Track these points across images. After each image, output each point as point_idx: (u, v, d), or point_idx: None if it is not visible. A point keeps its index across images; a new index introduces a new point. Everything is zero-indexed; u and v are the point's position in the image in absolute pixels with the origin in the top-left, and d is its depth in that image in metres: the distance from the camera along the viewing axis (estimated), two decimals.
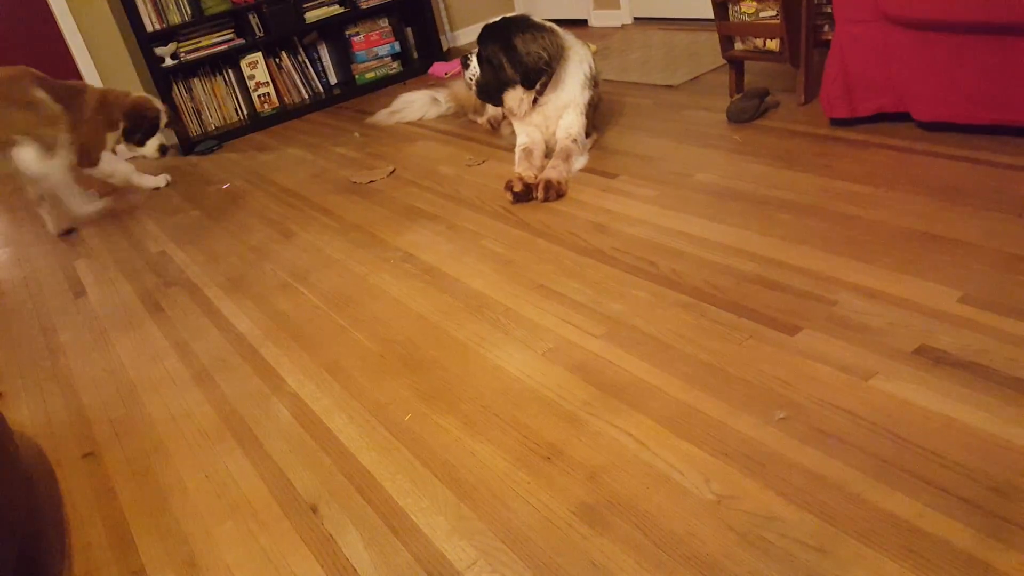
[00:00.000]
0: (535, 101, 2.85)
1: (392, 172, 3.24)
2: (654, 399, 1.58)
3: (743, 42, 2.96)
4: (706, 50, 3.75)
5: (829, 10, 2.73)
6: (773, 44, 2.83)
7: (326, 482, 1.57)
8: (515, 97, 2.85)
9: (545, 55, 2.79)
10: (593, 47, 4.25)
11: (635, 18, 4.66)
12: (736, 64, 3.04)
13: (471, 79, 2.87)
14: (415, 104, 3.97)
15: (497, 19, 2.84)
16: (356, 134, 3.90)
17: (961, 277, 1.72)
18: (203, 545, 1.49)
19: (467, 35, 5.34)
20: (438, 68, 4.74)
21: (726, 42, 2.98)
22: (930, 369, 1.48)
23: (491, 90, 2.86)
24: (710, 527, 1.26)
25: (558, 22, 3.09)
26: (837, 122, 2.62)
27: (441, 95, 3.91)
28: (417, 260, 2.42)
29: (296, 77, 4.67)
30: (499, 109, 3.29)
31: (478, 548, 1.33)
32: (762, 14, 2.78)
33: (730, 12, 2.89)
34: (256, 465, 1.67)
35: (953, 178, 2.14)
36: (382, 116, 4.02)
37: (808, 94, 2.84)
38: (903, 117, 2.49)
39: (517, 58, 2.76)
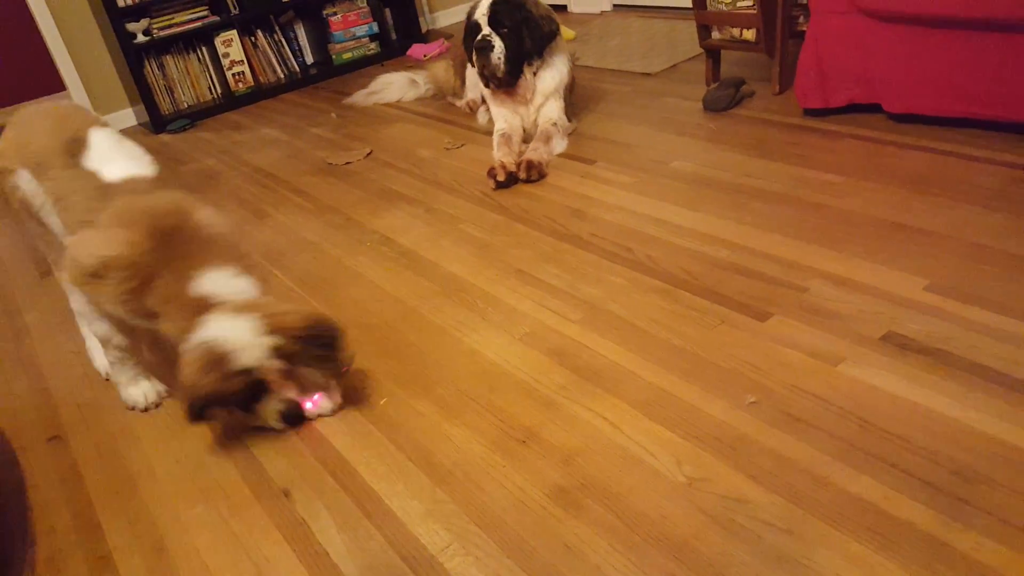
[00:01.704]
0: (501, 80, 2.86)
1: (369, 154, 3.21)
2: (629, 383, 1.60)
3: (720, 31, 2.97)
4: (684, 38, 3.76)
5: (805, 1, 2.74)
6: (749, 34, 2.84)
7: (299, 466, 1.56)
8: (529, 72, 2.88)
9: (555, 21, 2.85)
10: (572, 33, 4.24)
11: (614, 5, 4.65)
12: (713, 53, 3.05)
13: (499, 59, 2.78)
14: (393, 85, 3.93)
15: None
16: (333, 115, 3.86)
17: (928, 266, 1.75)
18: (172, 529, 1.48)
19: (447, 17, 5.29)
20: (417, 50, 4.69)
21: (703, 31, 2.99)
22: (897, 355, 1.51)
23: (513, 66, 2.82)
24: (681, 509, 1.28)
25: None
26: (810, 112, 2.65)
27: (420, 77, 3.88)
28: (394, 243, 2.41)
29: (272, 56, 4.60)
30: (478, 92, 3.28)
31: (452, 531, 1.33)
32: (739, 4, 2.79)
33: (708, 1, 2.90)
34: (227, 449, 1.66)
35: (922, 169, 2.17)
36: (359, 97, 3.97)
37: (783, 84, 2.86)
38: (875, 108, 2.52)
39: (536, 25, 2.80)
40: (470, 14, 2.89)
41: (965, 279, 1.68)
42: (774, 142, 2.53)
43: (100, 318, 1.75)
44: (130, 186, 1.72)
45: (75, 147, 1.73)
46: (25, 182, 1.79)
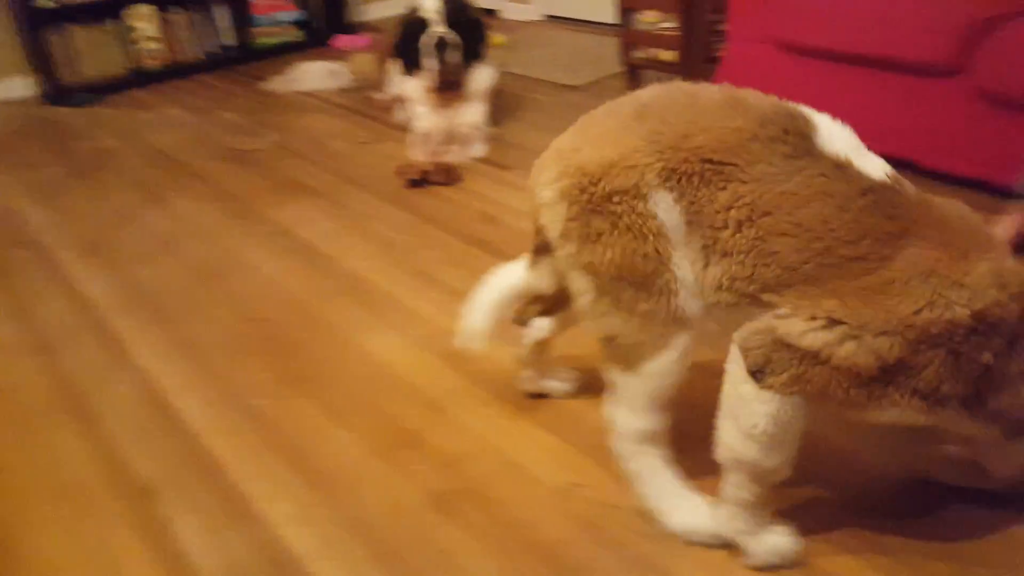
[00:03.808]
0: (456, 84, 2.84)
1: (279, 142, 3.11)
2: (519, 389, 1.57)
3: (642, 50, 3.01)
4: (610, 54, 3.79)
5: (724, 28, 2.81)
6: (669, 55, 2.90)
7: (165, 465, 1.47)
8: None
9: (485, 24, 2.89)
10: (502, 39, 4.24)
11: (545, 15, 4.68)
12: (635, 71, 3.09)
13: (459, 58, 2.76)
14: (313, 74, 3.83)
15: None
16: (246, 100, 3.72)
17: None
18: (20, 528, 1.36)
19: (377, 10, 5.19)
20: (343, 41, 4.60)
21: (626, 49, 3.03)
22: None
23: (461, 68, 2.82)
24: (555, 514, 1.27)
25: None
26: None
27: (342, 68, 3.79)
28: (295, 236, 2.32)
29: (187, 34, 4.40)
30: (403, 88, 3.22)
31: (321, 536, 1.28)
32: (661, 25, 2.84)
33: (634, 19, 2.94)
34: (90, 444, 1.54)
35: None
36: (277, 83, 3.86)
37: None
38: None
39: (479, 26, 2.82)
40: (414, 10, 2.83)
41: None
42: None
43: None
44: (917, 194, 1.08)
45: (793, 134, 1.09)
46: (664, 209, 1.09)
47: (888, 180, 1.07)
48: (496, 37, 4.19)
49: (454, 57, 2.74)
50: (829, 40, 2.26)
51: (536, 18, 4.69)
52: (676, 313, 1.12)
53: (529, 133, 2.98)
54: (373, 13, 5.19)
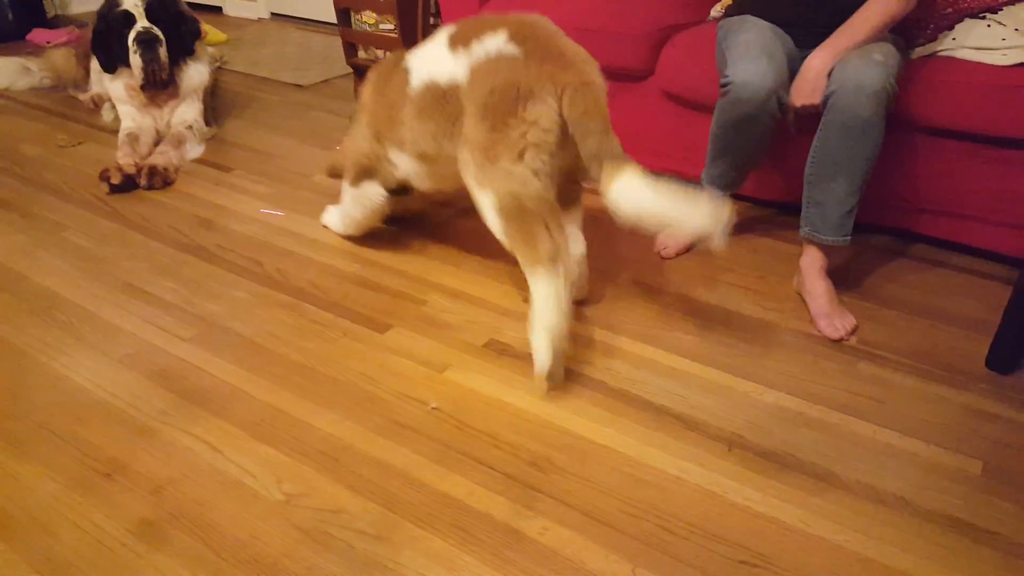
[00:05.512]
0: (165, 82, 2.68)
1: None
2: (238, 403, 1.52)
3: (366, 51, 3.03)
4: (339, 54, 3.76)
5: None
6: None
7: None
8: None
9: (197, 19, 2.76)
10: (223, 36, 4.03)
11: (272, 13, 4.52)
12: (360, 71, 3.10)
13: (166, 55, 2.61)
14: (1, 72, 3.35)
15: None
16: None
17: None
18: None
19: (81, 3, 4.67)
20: (39, 35, 4.08)
21: (350, 49, 3.03)
22: (494, 360, 1.65)
23: (168, 64, 2.67)
24: (275, 528, 1.25)
25: (191, 6, 2.87)
26: None
27: (34, 64, 3.36)
28: None
29: None
30: (105, 87, 2.93)
31: None
32: (381, 26, 2.88)
33: (352, 20, 2.95)
34: None
35: None
36: None
37: None
38: None
39: (189, 21, 2.70)
40: (114, 3, 2.60)
41: None
42: None
43: None
44: None
45: None
46: None
47: None
48: (217, 34, 3.98)
49: (160, 53, 2.57)
50: None
51: (263, 16, 4.51)
52: None
53: (253, 133, 2.87)
54: (77, 6, 4.67)
